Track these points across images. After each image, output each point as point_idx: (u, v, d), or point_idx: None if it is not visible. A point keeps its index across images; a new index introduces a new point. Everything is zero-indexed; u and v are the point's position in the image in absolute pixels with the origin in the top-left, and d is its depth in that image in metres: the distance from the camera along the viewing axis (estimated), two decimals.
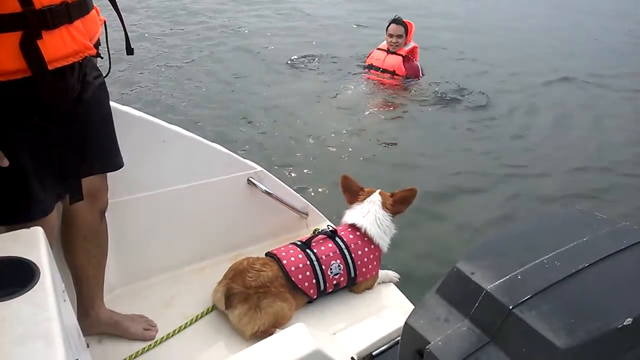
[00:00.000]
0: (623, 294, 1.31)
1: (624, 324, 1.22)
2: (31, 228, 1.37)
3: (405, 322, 1.40)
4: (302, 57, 7.71)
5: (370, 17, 10.18)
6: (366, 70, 6.95)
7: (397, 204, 2.54)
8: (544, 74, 7.73)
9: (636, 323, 1.23)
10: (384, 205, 2.53)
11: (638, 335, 1.25)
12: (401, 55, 6.67)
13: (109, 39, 1.95)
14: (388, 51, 6.73)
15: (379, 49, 6.88)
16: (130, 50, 1.94)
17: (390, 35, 6.61)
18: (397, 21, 6.59)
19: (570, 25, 11.47)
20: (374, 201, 2.56)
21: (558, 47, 9.53)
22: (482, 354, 1.26)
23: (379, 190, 2.60)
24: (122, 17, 1.89)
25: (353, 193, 2.64)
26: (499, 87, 7.07)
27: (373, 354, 2.15)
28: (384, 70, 6.75)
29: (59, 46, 1.58)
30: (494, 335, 1.27)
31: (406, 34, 6.60)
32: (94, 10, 1.77)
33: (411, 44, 6.73)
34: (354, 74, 6.96)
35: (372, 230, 2.49)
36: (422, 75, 6.84)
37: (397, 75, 6.69)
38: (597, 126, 6.02)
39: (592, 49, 9.58)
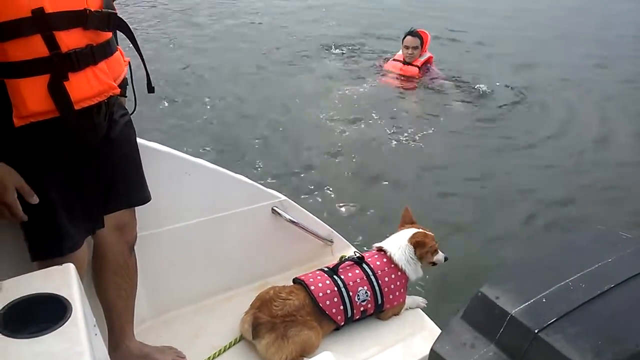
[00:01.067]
0: None
1: None
2: (63, 265, 1.41)
3: (431, 349, 1.41)
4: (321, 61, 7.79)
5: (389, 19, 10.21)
6: (383, 75, 7.03)
7: (417, 244, 2.53)
8: (578, 68, 7.66)
9: None
10: (410, 239, 2.54)
11: None
12: (417, 66, 6.79)
13: (134, 79, 2.02)
14: (404, 62, 6.85)
15: (395, 59, 7.00)
16: (151, 89, 2.00)
17: (406, 47, 6.75)
18: (412, 33, 6.74)
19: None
20: (405, 232, 2.58)
21: (590, 35, 9.39)
22: None
23: (418, 229, 2.61)
24: (144, 56, 1.95)
25: (403, 224, 2.69)
26: (526, 84, 6.99)
27: None
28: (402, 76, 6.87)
29: (84, 87, 1.64)
30: (521, 359, 1.26)
31: (422, 45, 6.74)
32: (118, 52, 1.84)
33: (426, 55, 6.86)
34: (370, 84, 6.98)
35: (397, 256, 2.50)
36: (439, 75, 6.93)
37: (415, 79, 6.79)
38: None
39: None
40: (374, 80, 6.93)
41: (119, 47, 1.86)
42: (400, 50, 6.92)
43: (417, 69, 6.77)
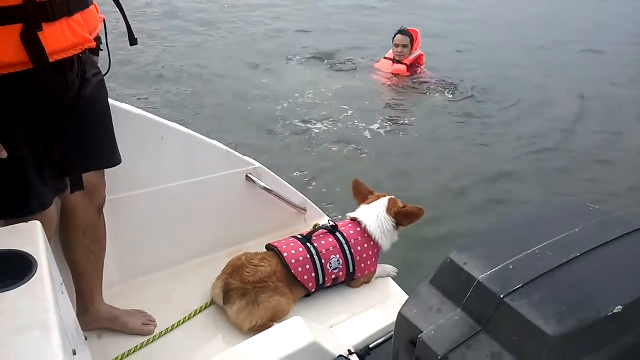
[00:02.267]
0: (614, 282, 1.33)
1: (614, 312, 1.23)
2: (29, 222, 1.39)
3: (399, 313, 1.42)
4: (305, 52, 7.81)
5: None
6: (373, 69, 7.20)
7: (401, 216, 2.53)
8: (557, 70, 7.76)
9: (626, 311, 1.24)
10: (389, 211, 2.54)
11: (628, 323, 1.27)
12: (405, 64, 6.92)
13: (108, 37, 1.97)
14: (394, 60, 6.99)
15: (385, 58, 7.14)
16: (133, 41, 1.95)
17: (397, 45, 6.91)
18: (402, 32, 6.88)
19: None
20: (380, 204, 2.58)
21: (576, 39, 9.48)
22: (473, 342, 1.27)
23: (390, 197, 2.61)
24: (124, 9, 1.90)
25: (363, 196, 2.67)
26: (508, 82, 7.12)
27: (370, 346, 2.16)
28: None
29: (59, 38, 1.60)
30: (486, 324, 1.29)
31: (412, 43, 6.89)
32: (93, 6, 1.78)
33: (416, 52, 6.99)
34: (358, 71, 7.21)
35: (373, 227, 2.50)
36: (426, 73, 7.04)
37: (401, 76, 6.92)
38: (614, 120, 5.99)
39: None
40: (364, 77, 7.05)
41: (94, 2, 1.81)
42: (391, 49, 7.02)
43: (405, 67, 6.90)
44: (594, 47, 9.13)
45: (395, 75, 6.93)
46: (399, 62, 6.94)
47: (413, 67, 6.98)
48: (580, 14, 11.83)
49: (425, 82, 6.86)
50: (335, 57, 7.74)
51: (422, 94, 6.57)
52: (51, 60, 1.57)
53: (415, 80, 6.86)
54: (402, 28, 6.94)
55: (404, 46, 6.86)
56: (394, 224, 2.53)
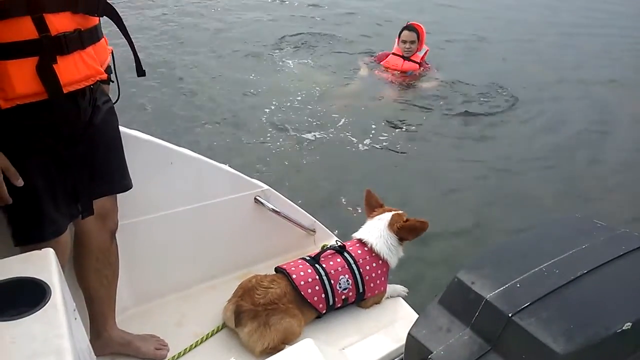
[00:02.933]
0: (622, 299, 1.33)
1: (623, 328, 1.24)
2: (42, 249, 1.42)
3: (408, 333, 1.43)
4: (308, 52, 7.81)
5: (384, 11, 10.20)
6: (381, 70, 7.00)
7: (404, 230, 2.52)
8: (569, 72, 7.66)
9: (635, 328, 1.25)
10: (391, 227, 2.54)
11: (637, 340, 1.27)
12: (417, 62, 6.80)
13: (117, 66, 2.02)
14: (403, 57, 6.81)
15: (394, 54, 6.92)
16: (141, 72, 1.99)
17: (404, 42, 6.72)
18: (409, 28, 6.70)
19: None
20: (382, 219, 2.57)
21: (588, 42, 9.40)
22: None
23: (394, 212, 2.60)
24: (133, 42, 1.95)
25: (371, 209, 2.67)
26: (517, 84, 7.00)
27: None
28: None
29: (72, 71, 1.66)
30: (495, 343, 1.29)
31: (419, 39, 6.72)
32: (103, 39, 1.84)
33: (424, 49, 6.85)
34: (365, 70, 7.05)
35: (378, 246, 2.50)
36: (435, 70, 6.96)
37: (414, 73, 6.82)
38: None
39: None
40: (372, 77, 6.90)
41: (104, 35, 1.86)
42: (396, 44, 6.86)
43: (417, 64, 6.79)
44: (611, 47, 9.00)
45: (405, 72, 6.77)
46: (409, 59, 6.75)
47: (422, 63, 6.85)
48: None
49: (435, 80, 6.77)
50: (339, 58, 7.68)
51: (435, 95, 6.47)
52: (65, 91, 1.63)
53: (427, 79, 6.75)
54: (408, 23, 6.75)
55: (412, 42, 6.66)
56: (398, 239, 2.53)
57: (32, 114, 1.62)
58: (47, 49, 1.57)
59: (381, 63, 7.03)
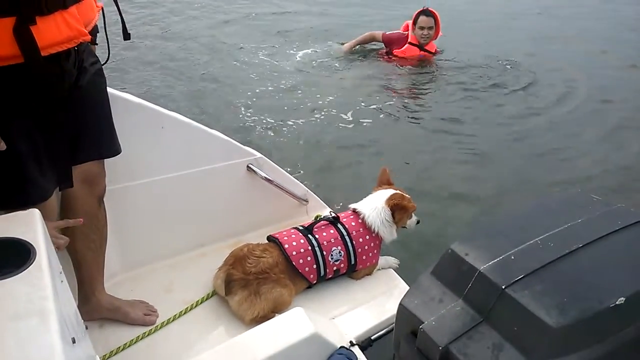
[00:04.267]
0: (616, 274, 1.32)
1: (617, 303, 1.23)
2: (28, 210, 1.38)
3: (400, 303, 1.42)
4: (307, 36, 7.68)
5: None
6: (385, 54, 6.87)
7: (396, 208, 2.51)
8: (582, 58, 7.50)
9: (629, 302, 1.24)
10: (388, 201, 2.52)
11: (631, 315, 1.26)
12: (432, 52, 6.69)
13: (107, 26, 1.96)
14: (420, 47, 6.64)
15: (410, 43, 6.66)
16: (127, 35, 1.94)
17: (422, 28, 6.52)
18: (426, 13, 6.51)
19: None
20: (383, 193, 2.57)
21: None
22: (475, 333, 1.27)
23: (396, 191, 2.59)
24: (118, 2, 1.89)
25: (379, 184, 2.67)
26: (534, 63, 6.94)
27: (372, 337, 2.16)
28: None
29: (53, 32, 1.58)
30: (487, 314, 1.28)
31: (436, 25, 6.55)
32: None
33: (440, 36, 6.71)
34: (368, 58, 6.92)
35: (371, 218, 2.49)
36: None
37: (427, 60, 6.69)
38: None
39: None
40: (382, 64, 6.75)
41: None
42: (411, 31, 6.64)
43: (431, 54, 6.67)
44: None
45: (421, 61, 6.63)
46: (424, 48, 6.61)
47: (437, 51, 6.74)
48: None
49: (445, 67, 6.65)
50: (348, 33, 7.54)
51: (441, 79, 6.38)
52: (44, 54, 1.56)
53: (439, 66, 6.63)
54: (425, 8, 6.54)
55: (430, 28, 6.49)
56: (392, 216, 2.52)
57: (12, 77, 1.56)
58: (25, 9, 1.49)
59: (394, 52, 6.79)
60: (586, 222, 1.46)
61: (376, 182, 2.71)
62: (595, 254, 1.36)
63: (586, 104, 5.95)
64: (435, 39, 6.66)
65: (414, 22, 6.58)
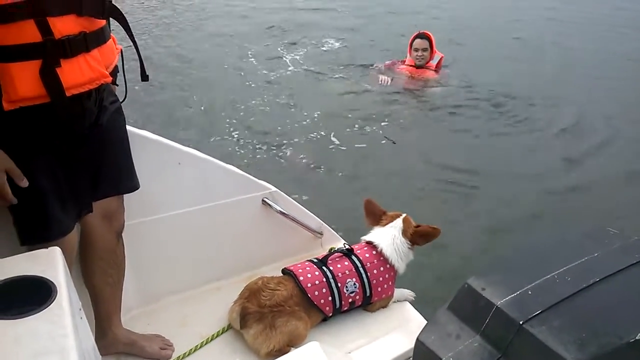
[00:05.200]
0: (635, 308, 1.31)
1: (637, 338, 1.21)
2: (49, 248, 1.41)
3: (417, 339, 1.41)
4: (322, 55, 7.84)
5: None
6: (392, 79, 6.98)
7: (416, 236, 2.51)
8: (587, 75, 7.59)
9: None
10: (404, 233, 2.52)
11: None
12: (432, 70, 6.85)
13: (125, 67, 2.01)
14: (416, 66, 6.85)
15: (406, 65, 6.95)
16: (145, 77, 1.99)
17: (416, 50, 6.77)
18: (420, 36, 6.79)
19: None
20: (396, 226, 2.55)
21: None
22: None
23: (403, 216, 2.59)
24: (137, 45, 1.94)
25: (376, 217, 2.63)
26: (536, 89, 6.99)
27: None
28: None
29: (76, 74, 1.64)
30: (505, 350, 1.27)
31: (430, 47, 6.79)
32: (111, 40, 1.83)
33: (437, 56, 6.89)
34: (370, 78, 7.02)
35: (389, 251, 2.48)
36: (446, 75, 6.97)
37: (429, 80, 6.82)
38: None
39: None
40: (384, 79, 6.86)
41: (112, 34, 1.85)
42: (408, 55, 6.92)
43: (433, 72, 6.83)
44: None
45: (422, 80, 6.79)
46: (422, 67, 6.81)
47: (438, 70, 6.89)
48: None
49: (451, 87, 6.76)
50: (352, 63, 7.65)
51: (449, 102, 6.44)
52: (68, 94, 1.62)
53: (442, 85, 6.76)
54: (420, 32, 6.84)
55: (424, 49, 6.73)
56: (409, 246, 2.51)
57: (36, 116, 1.62)
58: (51, 53, 1.56)
59: (395, 70, 7.02)
60: (603, 256, 1.45)
61: (367, 216, 2.65)
62: (613, 288, 1.34)
63: (599, 136, 5.90)
64: (432, 59, 6.85)
65: (410, 45, 6.86)
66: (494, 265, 1.49)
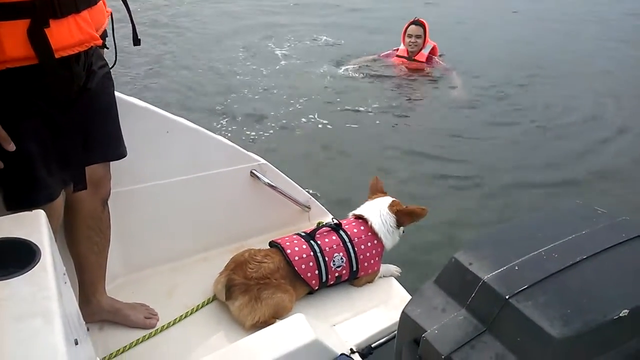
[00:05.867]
0: (620, 286, 1.32)
1: (620, 315, 1.22)
2: (33, 211, 1.39)
3: (402, 311, 1.41)
4: (312, 44, 7.80)
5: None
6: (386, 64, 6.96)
7: (402, 214, 2.52)
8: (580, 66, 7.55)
9: (632, 315, 1.23)
10: (391, 207, 2.54)
11: (634, 327, 1.26)
12: (422, 61, 6.79)
13: (115, 31, 1.97)
14: (409, 58, 6.80)
15: (398, 56, 6.89)
16: (137, 41, 1.96)
17: (410, 36, 6.70)
18: (416, 23, 6.71)
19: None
20: (383, 200, 2.58)
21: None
22: (477, 343, 1.26)
23: (394, 199, 2.61)
24: (130, 8, 1.90)
25: (373, 192, 2.68)
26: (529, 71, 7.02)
27: (372, 345, 2.15)
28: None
29: (65, 35, 1.60)
30: (490, 324, 1.28)
31: (424, 34, 6.71)
32: (101, 2, 1.79)
33: (430, 45, 6.81)
34: (367, 66, 7.00)
35: (377, 225, 2.50)
36: (440, 64, 6.93)
37: (420, 70, 6.80)
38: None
39: None
40: (377, 73, 6.84)
41: None
42: (401, 45, 6.86)
43: (423, 63, 6.79)
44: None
45: (414, 70, 6.76)
46: (414, 55, 6.76)
47: (429, 60, 6.83)
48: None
49: (443, 75, 6.75)
50: (345, 53, 7.60)
51: (439, 88, 6.48)
52: (57, 56, 1.58)
53: (434, 74, 6.74)
54: (415, 19, 6.76)
55: (418, 36, 6.66)
56: (396, 222, 2.53)
57: (23, 78, 1.58)
58: (40, 12, 1.52)
59: (389, 60, 6.98)
60: (590, 234, 1.45)
61: (369, 190, 2.71)
62: (599, 266, 1.35)
63: (603, 126, 5.89)
64: (424, 48, 6.77)
65: (404, 32, 6.79)
66: (482, 239, 1.49)
